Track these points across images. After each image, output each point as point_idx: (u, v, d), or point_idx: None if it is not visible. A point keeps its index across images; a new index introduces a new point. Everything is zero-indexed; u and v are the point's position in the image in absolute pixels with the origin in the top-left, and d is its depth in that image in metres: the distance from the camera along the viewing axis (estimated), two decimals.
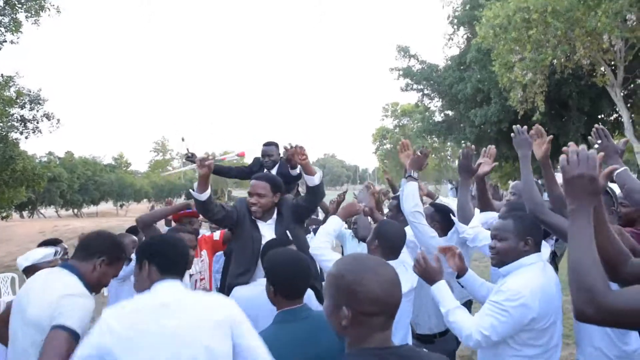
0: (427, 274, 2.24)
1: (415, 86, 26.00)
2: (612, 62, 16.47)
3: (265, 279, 2.52)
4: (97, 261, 2.19)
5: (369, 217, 3.81)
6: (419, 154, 3.02)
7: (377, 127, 56.01)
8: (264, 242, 3.01)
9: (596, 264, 1.24)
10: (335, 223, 2.81)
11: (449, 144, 41.07)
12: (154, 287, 1.83)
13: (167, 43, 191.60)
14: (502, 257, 2.22)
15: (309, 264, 2.10)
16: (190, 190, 3.03)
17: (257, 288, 2.54)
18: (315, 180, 3.14)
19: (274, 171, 4.67)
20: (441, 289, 2.21)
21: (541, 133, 2.66)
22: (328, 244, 2.70)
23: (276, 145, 4.83)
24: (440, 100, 26.21)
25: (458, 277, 2.52)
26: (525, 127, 2.65)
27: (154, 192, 59.58)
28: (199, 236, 3.78)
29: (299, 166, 3.76)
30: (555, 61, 16.29)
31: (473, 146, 3.01)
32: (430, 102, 27.49)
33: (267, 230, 3.12)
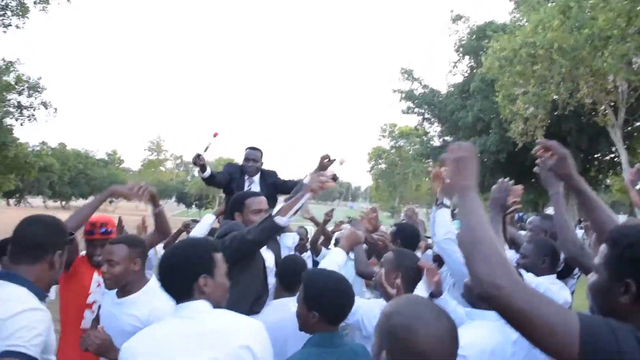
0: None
1: (416, 109, 26.16)
2: (614, 103, 16.62)
3: (281, 300, 2.46)
4: (54, 257, 1.81)
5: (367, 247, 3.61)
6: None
7: (374, 146, 56.20)
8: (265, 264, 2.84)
9: (498, 249, 1.17)
10: (339, 257, 2.65)
11: (444, 169, 41.17)
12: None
13: (166, 42, 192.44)
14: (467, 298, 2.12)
15: (351, 288, 2.03)
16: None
17: (278, 310, 2.47)
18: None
19: (256, 179, 4.36)
20: None
21: (547, 145, 2.20)
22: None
23: (261, 151, 4.49)
24: (440, 125, 26.37)
25: (432, 296, 2.39)
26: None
27: None
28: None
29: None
30: (557, 97, 16.41)
31: (512, 181, 2.72)
32: (430, 127, 27.70)
33: (266, 252, 2.90)
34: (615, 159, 21.16)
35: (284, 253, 3.36)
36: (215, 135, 4.45)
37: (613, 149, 19.55)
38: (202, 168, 4.21)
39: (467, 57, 24.70)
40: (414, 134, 44.38)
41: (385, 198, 53.81)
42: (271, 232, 2.53)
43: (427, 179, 53.04)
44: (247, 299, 2.73)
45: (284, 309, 2.44)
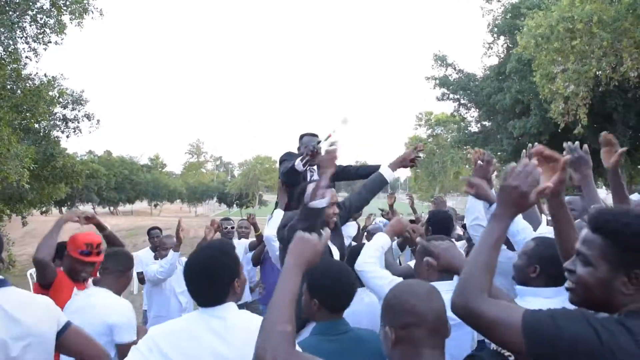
0: None
1: (451, 96, 25.59)
2: None
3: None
4: None
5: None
6: (480, 163, 2.76)
7: (410, 135, 55.32)
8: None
9: (488, 268, 1.32)
10: (383, 240, 2.64)
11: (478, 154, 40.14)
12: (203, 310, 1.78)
13: (202, 47, 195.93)
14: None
15: (353, 277, 2.06)
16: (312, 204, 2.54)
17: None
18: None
19: (316, 168, 3.95)
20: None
21: (611, 142, 2.38)
22: (376, 259, 2.51)
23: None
24: (477, 110, 25.69)
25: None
26: (578, 142, 2.32)
27: (187, 193, 60.71)
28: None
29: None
30: (600, 73, 15.67)
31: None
32: (466, 112, 26.98)
33: (331, 245, 2.91)
34: None
35: (347, 242, 3.43)
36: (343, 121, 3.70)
37: None
38: (307, 162, 3.70)
39: (502, 37, 23.89)
40: (450, 120, 43.43)
41: (425, 188, 52.92)
42: (310, 215, 2.50)
43: (466, 166, 51.96)
44: None
45: (357, 300, 2.44)
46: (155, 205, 60.17)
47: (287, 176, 3.86)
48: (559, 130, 17.54)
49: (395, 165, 3.27)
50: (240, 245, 5.52)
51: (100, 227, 3.47)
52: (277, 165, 4.25)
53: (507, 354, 1.40)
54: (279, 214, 3.83)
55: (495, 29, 23.73)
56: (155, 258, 5.14)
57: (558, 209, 1.65)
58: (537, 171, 1.38)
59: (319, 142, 3.70)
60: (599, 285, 1.23)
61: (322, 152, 3.55)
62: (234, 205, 60.16)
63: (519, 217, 2.68)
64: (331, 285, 1.90)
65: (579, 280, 1.27)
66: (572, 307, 1.38)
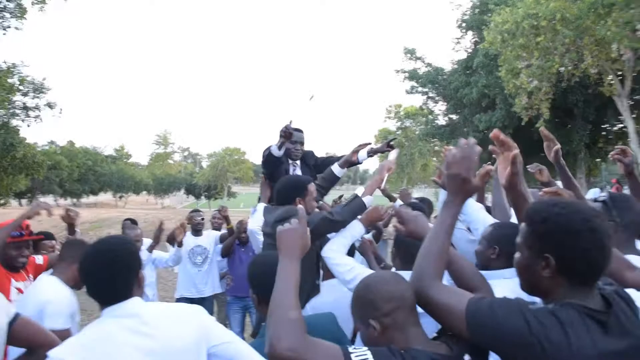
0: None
1: (420, 89, 25.95)
2: (620, 72, 16.37)
3: (333, 281, 2.50)
4: None
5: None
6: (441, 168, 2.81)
7: (380, 128, 55.81)
8: None
9: (439, 253, 1.40)
10: (356, 228, 2.57)
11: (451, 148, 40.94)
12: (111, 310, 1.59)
13: (169, 35, 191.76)
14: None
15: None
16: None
17: (332, 291, 2.50)
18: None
19: (298, 162, 4.07)
20: None
21: (548, 137, 2.53)
22: (343, 247, 2.48)
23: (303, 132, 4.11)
24: (445, 103, 26.15)
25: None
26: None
27: (154, 184, 59.57)
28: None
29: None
30: (562, 69, 16.20)
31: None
32: (434, 106, 27.44)
33: None
34: (624, 129, 20.90)
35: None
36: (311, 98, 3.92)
37: (621, 119, 19.33)
38: (282, 145, 3.67)
39: (470, 32, 24.36)
40: (419, 113, 44.03)
41: (394, 180, 53.64)
42: (358, 212, 2.63)
43: (434, 159, 52.86)
44: (305, 285, 2.67)
45: (337, 289, 2.46)
46: (120, 197, 58.85)
47: (266, 165, 3.80)
48: (522, 124, 18.07)
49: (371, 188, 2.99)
50: (211, 237, 5.48)
51: (72, 230, 3.30)
52: (247, 157, 4.21)
53: None
54: (262, 207, 3.68)
55: (464, 24, 24.16)
56: None
57: (517, 201, 1.65)
58: (475, 152, 1.41)
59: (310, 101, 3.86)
60: (525, 269, 1.31)
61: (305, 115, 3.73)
62: (202, 197, 59.43)
63: (480, 208, 2.77)
64: (268, 278, 1.71)
65: (515, 266, 1.37)
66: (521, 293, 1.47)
